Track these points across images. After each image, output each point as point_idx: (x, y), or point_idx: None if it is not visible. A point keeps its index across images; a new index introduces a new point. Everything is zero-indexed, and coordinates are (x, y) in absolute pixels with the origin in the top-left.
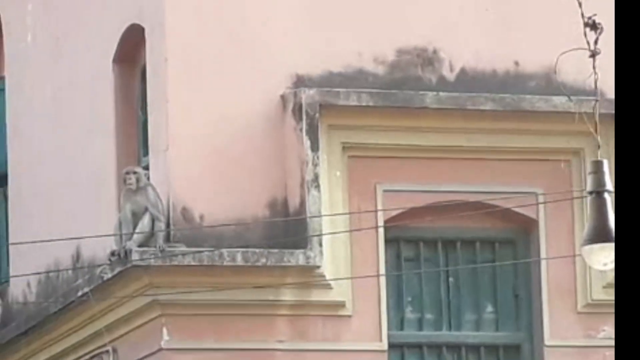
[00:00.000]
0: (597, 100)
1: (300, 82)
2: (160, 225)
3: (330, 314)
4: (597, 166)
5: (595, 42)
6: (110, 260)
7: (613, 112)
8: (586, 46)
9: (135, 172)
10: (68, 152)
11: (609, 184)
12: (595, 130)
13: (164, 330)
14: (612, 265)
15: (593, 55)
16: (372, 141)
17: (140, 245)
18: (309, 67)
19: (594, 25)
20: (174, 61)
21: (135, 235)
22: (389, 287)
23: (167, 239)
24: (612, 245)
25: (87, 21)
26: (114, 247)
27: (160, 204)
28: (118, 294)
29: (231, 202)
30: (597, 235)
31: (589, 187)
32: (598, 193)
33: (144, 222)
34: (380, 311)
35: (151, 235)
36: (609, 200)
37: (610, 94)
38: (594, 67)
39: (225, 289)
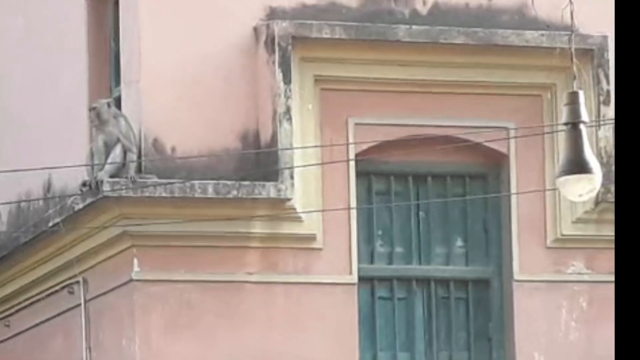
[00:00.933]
0: (572, 32)
1: (273, 14)
2: (132, 156)
3: (300, 246)
4: (573, 97)
5: None
6: (81, 190)
7: (586, 47)
8: None
9: (93, 108)
10: (39, 81)
11: (585, 115)
12: (572, 62)
13: (135, 262)
14: (587, 197)
15: None
16: (345, 74)
17: (111, 176)
18: None
19: None
20: None
21: (106, 166)
22: (360, 220)
23: (139, 170)
24: (588, 176)
25: None
26: (86, 178)
27: (133, 135)
28: (89, 225)
29: (203, 133)
30: (573, 167)
31: (564, 119)
32: (574, 124)
33: (116, 153)
34: (350, 244)
35: (122, 166)
36: (584, 132)
37: (583, 28)
38: None
39: (196, 220)
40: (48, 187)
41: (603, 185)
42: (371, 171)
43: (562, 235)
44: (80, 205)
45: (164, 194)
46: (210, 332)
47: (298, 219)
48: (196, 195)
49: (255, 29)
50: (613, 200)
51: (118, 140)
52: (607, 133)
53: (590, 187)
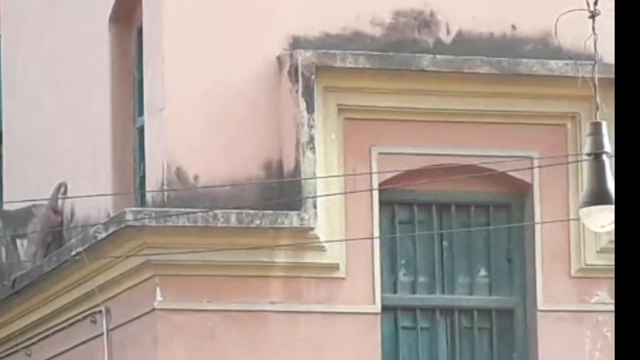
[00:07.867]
0: (595, 62)
1: (297, 43)
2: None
3: (324, 276)
4: (596, 128)
5: (595, 3)
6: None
7: (611, 76)
8: (585, 7)
9: None
10: (63, 111)
11: (608, 145)
12: (594, 92)
13: (158, 291)
14: (609, 228)
15: (592, 16)
16: (368, 103)
17: None
18: (305, 28)
19: None
20: (170, 21)
21: None
22: (383, 249)
23: (162, 199)
24: (610, 207)
25: None
26: (109, 208)
27: None
28: (112, 254)
29: (226, 163)
30: (595, 198)
31: (587, 149)
32: (596, 155)
33: None
34: (374, 274)
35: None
36: (607, 163)
37: (608, 57)
38: (593, 29)
39: (219, 250)
40: (71, 217)
41: None
42: (394, 200)
43: (587, 265)
44: (103, 235)
45: (186, 224)
46: None
47: (321, 249)
48: (219, 224)
49: (279, 58)
50: None
51: None
52: None
53: (612, 217)
